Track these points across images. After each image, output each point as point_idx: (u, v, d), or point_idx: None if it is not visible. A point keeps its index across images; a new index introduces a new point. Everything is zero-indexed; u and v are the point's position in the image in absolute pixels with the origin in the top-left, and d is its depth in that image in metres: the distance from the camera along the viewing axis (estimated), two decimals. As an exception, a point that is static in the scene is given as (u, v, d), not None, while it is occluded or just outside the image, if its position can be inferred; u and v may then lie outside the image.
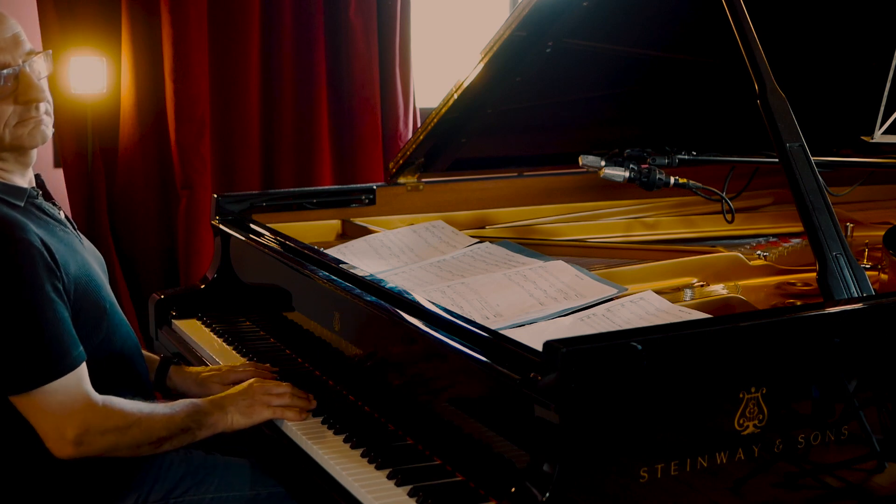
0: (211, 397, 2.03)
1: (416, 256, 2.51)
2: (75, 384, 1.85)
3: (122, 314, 2.11)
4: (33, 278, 1.82)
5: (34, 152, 2.00)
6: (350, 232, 2.86)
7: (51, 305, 1.83)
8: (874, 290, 1.86)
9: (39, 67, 1.95)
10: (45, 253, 1.85)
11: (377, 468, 1.77)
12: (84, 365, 1.87)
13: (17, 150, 1.95)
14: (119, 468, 1.96)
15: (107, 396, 1.89)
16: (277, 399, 2.01)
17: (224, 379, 2.23)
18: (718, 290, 2.25)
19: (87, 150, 3.74)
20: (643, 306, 1.98)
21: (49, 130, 1.97)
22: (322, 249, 2.44)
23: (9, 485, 1.94)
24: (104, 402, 1.87)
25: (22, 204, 1.94)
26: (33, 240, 1.84)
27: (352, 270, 2.20)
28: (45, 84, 1.96)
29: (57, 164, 3.83)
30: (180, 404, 1.97)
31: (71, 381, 1.84)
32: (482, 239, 2.60)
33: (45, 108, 1.96)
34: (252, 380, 2.08)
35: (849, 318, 1.74)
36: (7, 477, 1.94)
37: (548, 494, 1.44)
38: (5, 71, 1.89)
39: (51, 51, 2.04)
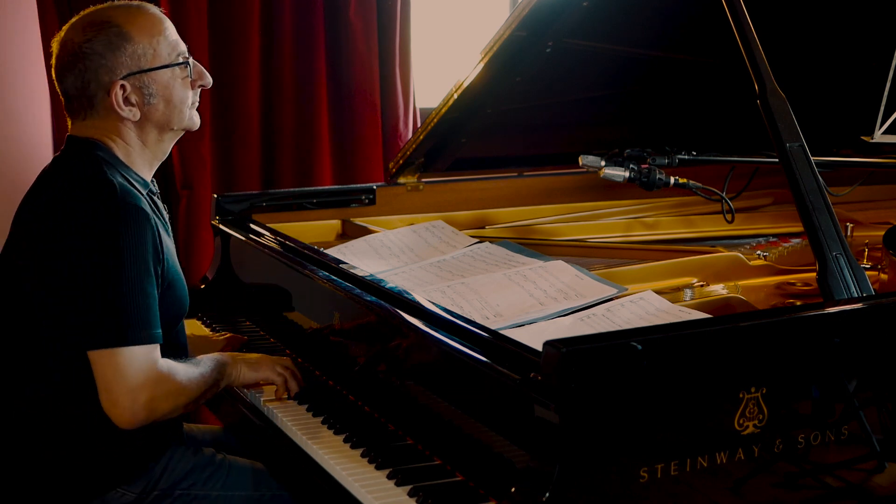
0: (223, 352, 2.16)
1: (416, 256, 2.51)
2: (154, 356, 1.91)
3: None
4: (143, 249, 1.90)
5: None
6: (350, 232, 2.86)
7: (151, 280, 1.92)
8: (874, 290, 1.86)
9: None
10: (157, 237, 1.96)
11: (377, 468, 1.77)
12: (159, 346, 1.93)
13: (184, 131, 2.12)
14: (133, 453, 1.97)
15: (165, 361, 1.94)
16: (281, 369, 2.14)
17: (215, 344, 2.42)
18: (718, 290, 2.25)
19: (87, 150, 3.74)
20: (643, 306, 1.98)
21: None
22: (322, 249, 2.44)
23: (20, 468, 1.96)
24: (166, 367, 1.93)
25: (144, 193, 2.02)
26: (151, 220, 1.94)
27: (352, 270, 2.20)
28: None
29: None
30: (207, 362, 2.07)
31: (151, 352, 1.90)
32: (482, 239, 2.60)
33: None
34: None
35: (849, 318, 1.74)
36: (19, 461, 1.96)
37: (548, 494, 1.44)
38: (191, 60, 2.08)
39: None
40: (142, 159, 2.07)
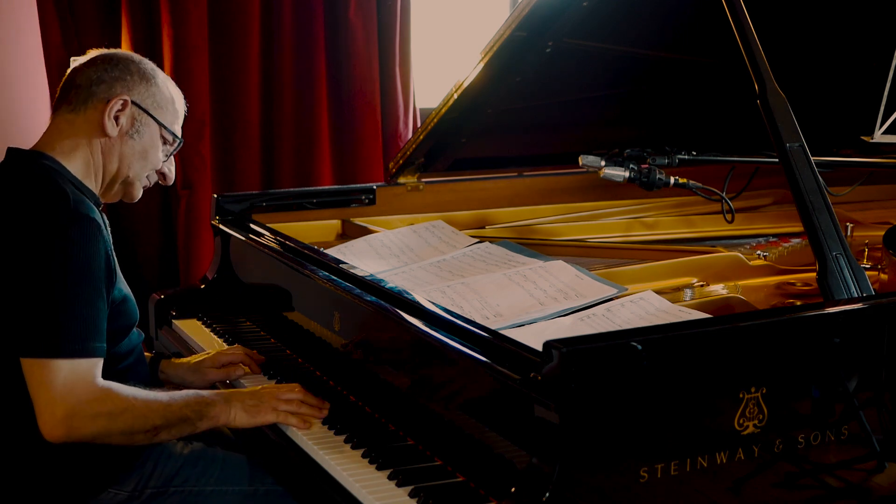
0: (218, 391, 2.04)
1: (416, 256, 2.51)
2: (86, 371, 1.85)
3: None
4: (92, 261, 1.88)
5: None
6: (350, 232, 2.86)
7: (96, 293, 1.89)
8: (874, 290, 1.86)
9: None
10: (109, 254, 1.95)
11: (378, 469, 1.77)
12: (101, 361, 1.89)
13: (122, 190, 2.12)
14: (119, 452, 1.97)
15: (107, 381, 1.89)
16: (285, 405, 1.98)
17: (216, 362, 2.30)
18: (718, 290, 2.25)
19: (87, 150, 3.74)
20: (643, 306, 1.98)
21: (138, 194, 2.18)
22: (322, 249, 2.44)
23: (8, 464, 1.95)
24: (103, 386, 1.88)
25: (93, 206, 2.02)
26: (105, 235, 1.94)
27: (352, 270, 2.20)
28: None
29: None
30: (182, 393, 1.97)
31: (83, 366, 1.85)
32: (482, 239, 2.60)
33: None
34: (267, 384, 2.08)
35: (849, 318, 1.74)
36: (6, 456, 1.94)
37: (548, 494, 1.44)
38: (178, 142, 2.15)
39: None
40: (95, 179, 2.07)
